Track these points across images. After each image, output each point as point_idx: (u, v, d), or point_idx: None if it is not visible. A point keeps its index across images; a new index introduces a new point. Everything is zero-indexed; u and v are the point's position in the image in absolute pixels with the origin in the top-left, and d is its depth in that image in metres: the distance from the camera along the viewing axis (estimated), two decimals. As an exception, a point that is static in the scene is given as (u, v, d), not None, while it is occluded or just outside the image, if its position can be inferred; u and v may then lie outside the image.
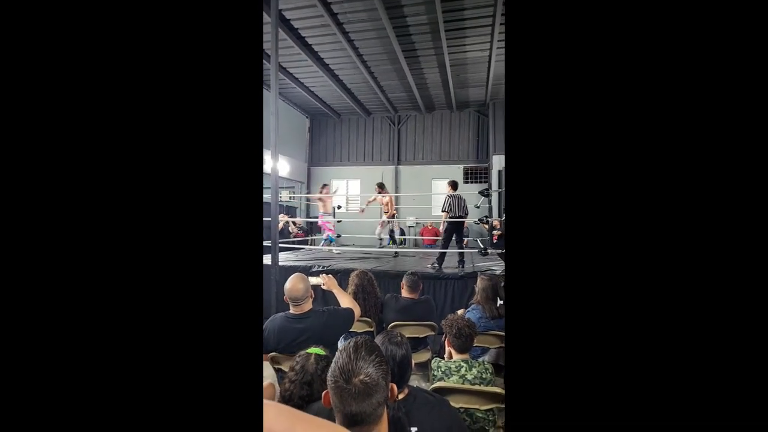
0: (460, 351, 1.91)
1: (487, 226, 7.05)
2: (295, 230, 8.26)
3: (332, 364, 0.93)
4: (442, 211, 4.90)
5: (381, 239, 7.48)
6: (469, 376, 1.81)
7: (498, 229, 7.97)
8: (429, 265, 4.67)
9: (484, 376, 1.82)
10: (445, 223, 4.85)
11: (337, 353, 0.95)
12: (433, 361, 1.95)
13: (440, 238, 5.56)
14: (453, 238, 4.91)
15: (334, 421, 0.90)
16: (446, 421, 1.23)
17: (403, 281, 3.02)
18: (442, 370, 1.86)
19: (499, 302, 2.77)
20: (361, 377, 0.88)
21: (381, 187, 6.70)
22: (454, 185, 5.05)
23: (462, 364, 1.85)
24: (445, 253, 4.80)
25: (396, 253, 6.45)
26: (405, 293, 3.00)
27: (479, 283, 2.86)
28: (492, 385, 1.81)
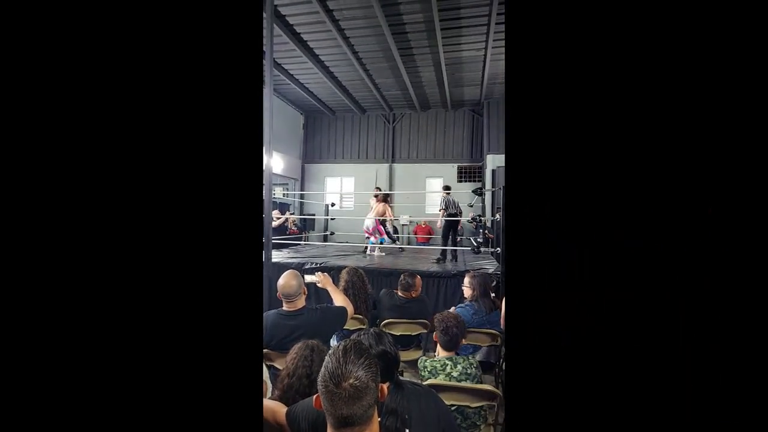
0: (445, 348, 1.94)
1: (474, 224, 7.07)
2: (291, 227, 8.21)
3: (322, 369, 0.94)
4: (440, 210, 5.71)
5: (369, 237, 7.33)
6: (455, 373, 1.83)
7: (486, 228, 7.88)
8: (433, 260, 5.18)
9: (469, 371, 1.84)
10: (443, 221, 5.54)
11: (327, 357, 0.96)
12: (419, 361, 1.96)
13: (434, 236, 6.00)
14: (450, 235, 5.53)
15: (325, 425, 0.92)
16: (433, 409, 1.24)
17: (399, 282, 3.06)
18: (429, 369, 1.89)
19: (491, 295, 2.83)
20: (351, 381, 0.89)
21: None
22: (446, 188, 5.99)
23: (447, 362, 1.87)
24: (446, 248, 5.38)
25: (366, 248, 6.44)
26: (400, 293, 3.02)
27: (470, 281, 2.89)
28: (478, 381, 1.83)
